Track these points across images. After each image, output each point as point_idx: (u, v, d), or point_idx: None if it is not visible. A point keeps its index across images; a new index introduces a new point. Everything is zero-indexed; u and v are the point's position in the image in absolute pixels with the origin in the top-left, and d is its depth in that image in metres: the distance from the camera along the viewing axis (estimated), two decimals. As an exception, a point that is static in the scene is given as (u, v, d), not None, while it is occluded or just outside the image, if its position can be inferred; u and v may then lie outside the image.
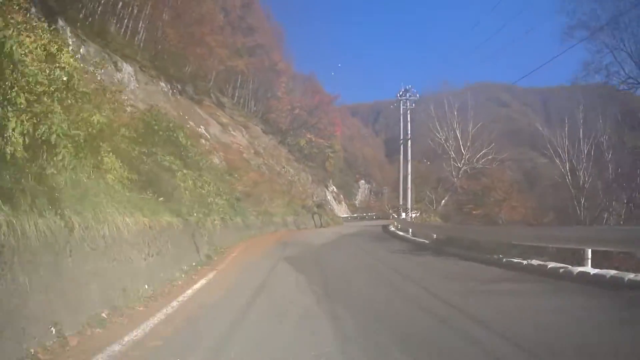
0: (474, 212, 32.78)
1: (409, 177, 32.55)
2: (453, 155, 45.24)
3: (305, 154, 50.70)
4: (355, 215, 72.86)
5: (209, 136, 36.34)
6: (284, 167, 43.52)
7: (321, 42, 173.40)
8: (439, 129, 45.33)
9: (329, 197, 79.80)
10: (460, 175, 44.99)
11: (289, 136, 49.87)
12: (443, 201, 44.61)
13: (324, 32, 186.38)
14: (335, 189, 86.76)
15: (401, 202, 34.23)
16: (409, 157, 33.23)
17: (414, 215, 32.93)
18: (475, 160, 44.90)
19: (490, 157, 45.33)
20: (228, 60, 44.88)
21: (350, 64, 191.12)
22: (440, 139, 44.81)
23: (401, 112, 35.67)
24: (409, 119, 34.21)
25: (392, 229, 27.54)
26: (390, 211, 59.79)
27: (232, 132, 41.83)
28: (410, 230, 21.80)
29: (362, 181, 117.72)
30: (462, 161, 45.01)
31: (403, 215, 32.43)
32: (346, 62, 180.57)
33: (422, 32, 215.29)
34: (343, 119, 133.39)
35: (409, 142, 33.46)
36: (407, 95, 34.42)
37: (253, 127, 50.96)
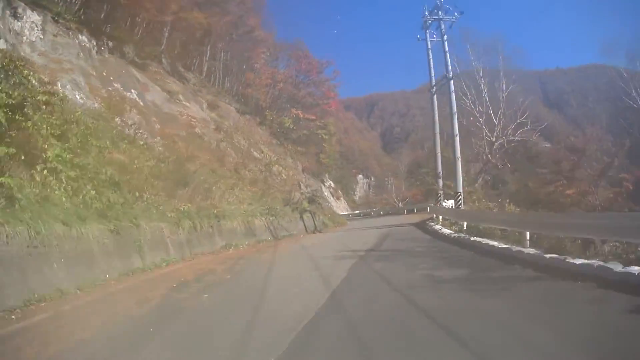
0: (567, 192, 19.37)
1: (457, 139, 18.72)
2: (483, 127, 32.43)
3: (293, 139, 37.00)
4: (358, 212, 59.52)
5: (141, 103, 23.31)
6: (262, 152, 29.78)
7: (311, 35, 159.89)
8: (465, 90, 32.33)
9: (326, 193, 66.18)
10: (494, 151, 31.72)
11: (271, 115, 36.08)
12: (477, 184, 31.07)
13: (314, 23, 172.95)
14: (332, 184, 73.26)
15: (440, 184, 20.69)
16: (454, 107, 19.24)
17: (451, 203, 19.60)
18: (509, 131, 31.99)
19: (527, 128, 32.66)
20: (180, 11, 31.14)
21: (341, 57, 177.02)
22: (467, 103, 31.84)
23: (428, 45, 21.45)
24: (446, 48, 19.93)
25: (446, 231, 13.99)
26: (401, 204, 46.54)
27: (184, 102, 28.19)
28: (527, 235, 8.19)
29: (360, 175, 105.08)
30: (495, 133, 31.87)
31: (446, 203, 19.07)
32: (335, 55, 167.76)
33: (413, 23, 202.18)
34: (337, 111, 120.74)
35: (452, 83, 19.32)
36: (440, 14, 20.15)
37: (225, 106, 37.33)
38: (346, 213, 62.29)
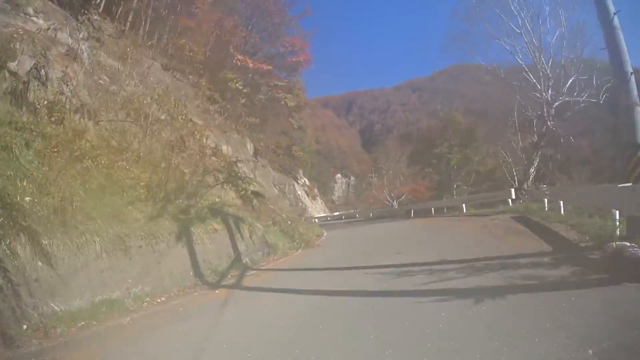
0: None
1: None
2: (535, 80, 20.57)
3: (245, 107, 23.06)
4: (338, 213, 46.80)
5: None
6: (183, 116, 16.16)
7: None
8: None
9: (299, 192, 52.95)
10: (550, 115, 19.14)
11: (194, 49, 22.33)
12: (533, 169, 18.31)
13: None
14: (307, 182, 59.83)
15: None
16: None
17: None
18: (565, 90, 19.71)
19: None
20: None
21: (318, 55, 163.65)
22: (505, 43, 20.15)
23: None
24: None
25: None
26: (396, 203, 33.24)
27: (34, 17, 14.58)
28: None
29: (339, 175, 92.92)
30: (549, 91, 19.50)
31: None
32: (314, 52, 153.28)
33: (393, 19, 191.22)
34: (314, 109, 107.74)
35: None
36: None
37: (147, 62, 23.52)
38: (324, 215, 49.22)
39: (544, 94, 18.38)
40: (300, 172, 57.94)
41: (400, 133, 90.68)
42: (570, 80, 19.36)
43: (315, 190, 61.89)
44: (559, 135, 18.27)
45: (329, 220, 39.36)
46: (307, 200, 54.59)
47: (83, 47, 15.80)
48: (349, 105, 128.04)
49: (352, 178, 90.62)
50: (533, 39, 20.15)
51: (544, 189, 11.18)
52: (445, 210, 19.55)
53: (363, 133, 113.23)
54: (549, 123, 18.33)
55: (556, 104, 19.26)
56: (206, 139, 16.12)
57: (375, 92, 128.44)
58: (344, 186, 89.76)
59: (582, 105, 19.11)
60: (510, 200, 12.20)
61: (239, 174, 8.17)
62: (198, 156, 9.26)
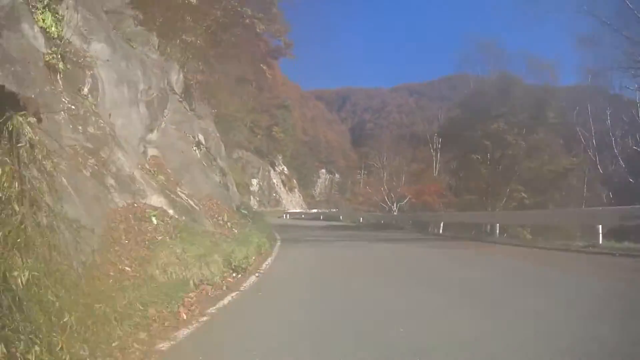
0: None
1: None
2: None
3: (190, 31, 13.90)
4: (316, 211, 38.25)
5: None
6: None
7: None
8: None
9: (274, 180, 43.98)
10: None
11: None
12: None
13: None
14: (285, 170, 50.91)
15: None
16: None
17: None
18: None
19: None
20: None
21: (314, 49, 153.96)
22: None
23: None
24: None
25: None
26: (395, 208, 24.03)
27: None
28: None
29: (323, 170, 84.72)
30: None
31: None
32: (310, 47, 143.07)
33: (394, 19, 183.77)
34: (305, 100, 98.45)
35: None
36: None
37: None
38: (299, 210, 40.49)
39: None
40: (280, 157, 49.04)
41: (394, 134, 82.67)
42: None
43: (294, 181, 53.13)
44: None
45: (303, 218, 30.55)
46: (282, 191, 45.73)
47: None
48: (342, 101, 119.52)
49: (337, 175, 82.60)
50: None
51: None
52: (491, 228, 11.19)
53: (354, 131, 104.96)
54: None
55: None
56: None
57: (371, 90, 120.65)
58: (327, 182, 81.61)
59: None
60: None
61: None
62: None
